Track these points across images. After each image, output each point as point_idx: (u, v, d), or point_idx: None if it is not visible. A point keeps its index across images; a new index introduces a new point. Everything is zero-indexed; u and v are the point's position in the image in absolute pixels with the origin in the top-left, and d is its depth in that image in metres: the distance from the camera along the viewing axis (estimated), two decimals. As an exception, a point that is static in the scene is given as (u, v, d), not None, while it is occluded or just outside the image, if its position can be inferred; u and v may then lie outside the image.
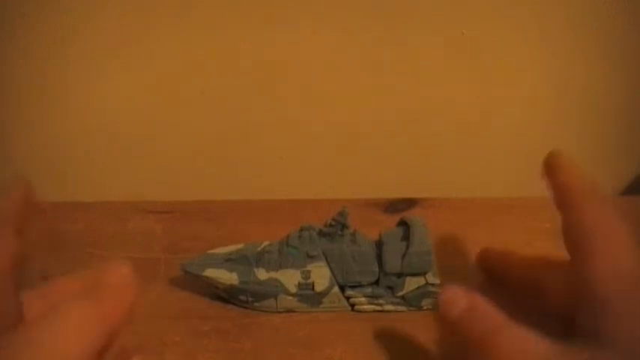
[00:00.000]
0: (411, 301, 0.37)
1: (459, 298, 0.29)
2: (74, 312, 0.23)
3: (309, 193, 0.52)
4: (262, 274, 0.37)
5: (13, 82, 0.50)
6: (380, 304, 0.38)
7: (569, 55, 0.50)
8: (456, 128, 0.53)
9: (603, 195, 0.29)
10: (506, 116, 0.53)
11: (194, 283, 0.39)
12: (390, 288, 0.37)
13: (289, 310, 0.38)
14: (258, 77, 0.50)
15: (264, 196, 0.50)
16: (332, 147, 0.54)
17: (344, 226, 0.37)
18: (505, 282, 0.34)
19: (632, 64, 0.50)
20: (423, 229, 0.38)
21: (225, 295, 0.38)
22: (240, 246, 0.39)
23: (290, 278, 0.37)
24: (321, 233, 0.38)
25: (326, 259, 0.37)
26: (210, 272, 0.37)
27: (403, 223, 0.39)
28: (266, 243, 0.39)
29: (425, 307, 0.38)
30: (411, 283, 0.37)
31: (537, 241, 0.42)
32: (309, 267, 0.37)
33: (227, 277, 0.37)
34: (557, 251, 0.29)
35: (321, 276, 0.37)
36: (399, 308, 0.38)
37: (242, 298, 0.38)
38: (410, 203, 0.49)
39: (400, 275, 0.37)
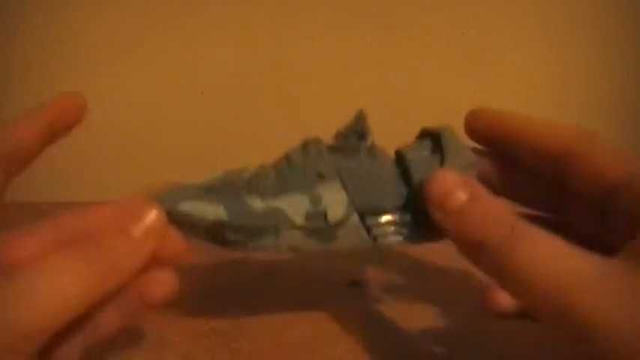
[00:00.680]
0: None
1: (457, 187, 0.23)
2: (60, 277, 0.21)
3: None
4: (256, 203, 0.28)
5: (13, 83, 0.50)
6: (409, 236, 0.29)
7: (569, 55, 0.50)
8: (456, 128, 0.53)
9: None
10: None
11: (193, 279, 0.38)
12: (420, 213, 0.28)
13: (293, 249, 0.30)
14: (259, 77, 0.50)
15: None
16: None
17: (362, 136, 0.29)
18: (507, 163, 0.28)
19: (632, 63, 0.50)
20: (457, 139, 0.30)
21: (208, 238, 0.29)
22: (220, 174, 0.30)
23: (295, 206, 0.28)
24: (331, 148, 0.30)
25: (341, 179, 0.29)
26: (187, 206, 0.28)
27: (426, 135, 0.31)
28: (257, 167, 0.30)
29: None
30: None
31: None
32: (319, 190, 0.29)
33: (211, 210, 0.28)
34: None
35: (335, 201, 0.29)
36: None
37: (231, 237, 0.29)
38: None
39: None
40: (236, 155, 0.56)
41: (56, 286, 0.21)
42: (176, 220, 0.28)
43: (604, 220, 0.24)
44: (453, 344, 0.34)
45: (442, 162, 0.28)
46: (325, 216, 0.29)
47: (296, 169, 0.29)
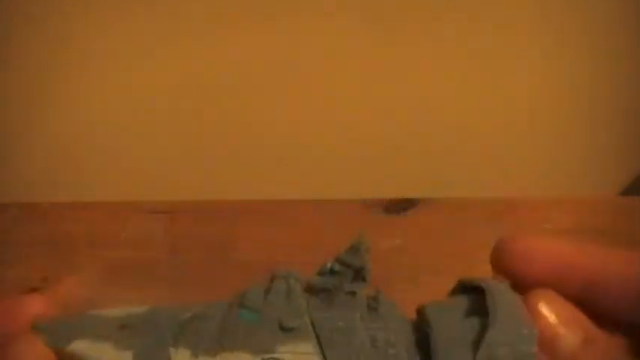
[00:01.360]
0: None
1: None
2: None
3: (309, 193, 0.52)
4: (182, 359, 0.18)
5: (13, 83, 0.50)
6: None
7: (569, 55, 0.50)
8: (457, 128, 0.53)
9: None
10: (507, 116, 0.53)
11: (195, 284, 0.36)
12: None
13: None
14: (258, 77, 0.50)
15: (264, 196, 0.50)
16: (332, 147, 0.54)
17: (359, 275, 0.19)
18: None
19: (632, 63, 0.50)
20: (511, 297, 0.18)
21: None
22: (146, 308, 0.20)
23: None
24: (310, 287, 0.19)
25: (317, 337, 0.18)
26: (80, 345, 0.19)
27: (467, 289, 0.20)
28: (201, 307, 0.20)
29: None
30: None
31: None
32: (279, 350, 0.18)
33: (112, 356, 0.19)
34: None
35: None
36: None
37: None
38: (410, 203, 0.48)
39: None
40: (236, 155, 0.57)
41: None
42: None
43: None
44: None
45: (482, 332, 0.17)
46: None
47: (251, 315, 0.19)
